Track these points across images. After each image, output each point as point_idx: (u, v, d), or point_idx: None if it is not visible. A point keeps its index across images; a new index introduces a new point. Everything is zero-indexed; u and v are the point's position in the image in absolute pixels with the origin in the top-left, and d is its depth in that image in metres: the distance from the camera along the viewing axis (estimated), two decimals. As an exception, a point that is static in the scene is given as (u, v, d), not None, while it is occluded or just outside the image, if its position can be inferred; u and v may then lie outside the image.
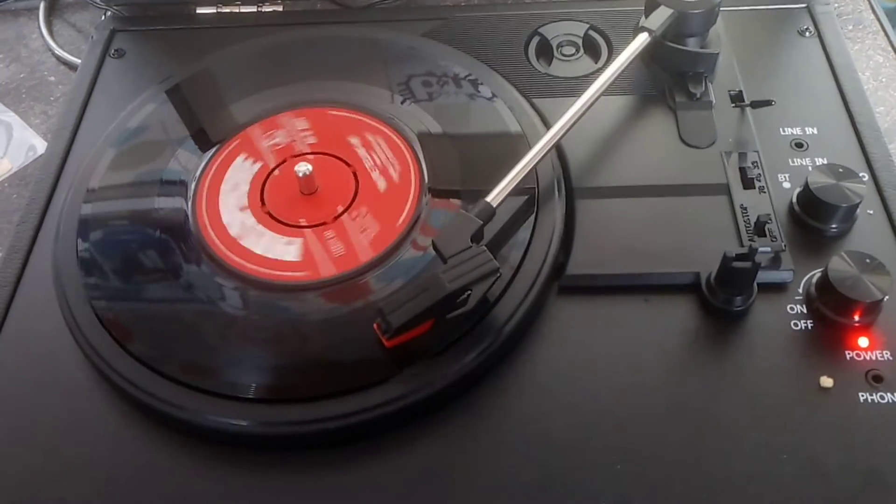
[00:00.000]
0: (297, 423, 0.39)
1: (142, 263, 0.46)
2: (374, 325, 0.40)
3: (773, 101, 0.50)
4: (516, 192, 0.44)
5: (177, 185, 0.49)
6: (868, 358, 0.41)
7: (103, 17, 0.64)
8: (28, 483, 0.39)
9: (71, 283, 0.44)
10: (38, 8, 0.71)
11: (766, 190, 0.46)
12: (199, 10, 0.62)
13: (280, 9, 0.62)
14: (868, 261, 0.41)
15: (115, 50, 0.59)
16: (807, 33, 0.57)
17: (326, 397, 0.39)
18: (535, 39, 0.57)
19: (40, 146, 0.61)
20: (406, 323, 0.39)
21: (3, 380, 0.42)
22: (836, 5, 0.66)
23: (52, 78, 0.67)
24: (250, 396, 0.40)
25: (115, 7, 0.63)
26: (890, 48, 0.63)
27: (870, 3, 0.67)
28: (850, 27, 0.65)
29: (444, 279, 0.39)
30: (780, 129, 0.50)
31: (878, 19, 0.66)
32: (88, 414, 0.41)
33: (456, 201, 0.47)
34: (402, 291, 0.40)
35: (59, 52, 0.68)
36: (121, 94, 0.56)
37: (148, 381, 0.40)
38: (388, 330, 0.39)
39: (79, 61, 0.65)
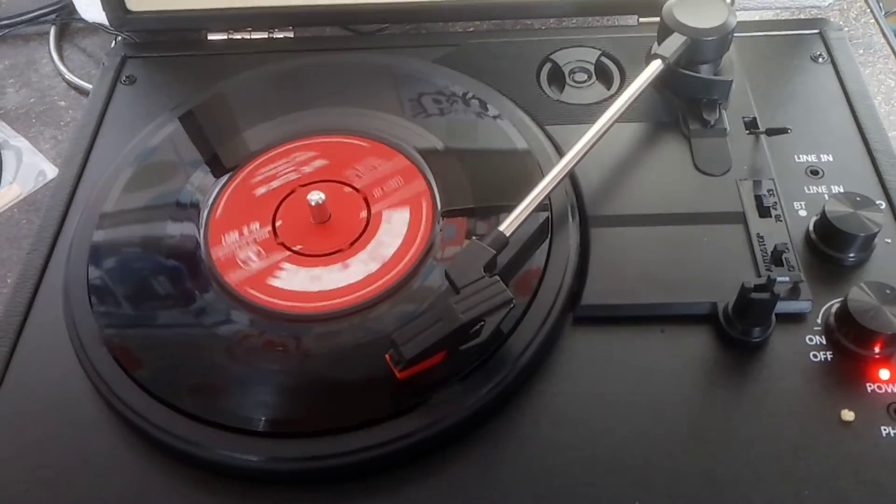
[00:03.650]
0: (308, 459, 0.38)
1: (152, 295, 0.45)
2: (387, 357, 0.40)
3: (788, 129, 0.49)
4: (530, 220, 0.44)
5: (189, 213, 0.49)
6: (889, 391, 0.40)
7: (114, 43, 0.64)
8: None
9: (81, 312, 0.44)
10: (48, 33, 0.71)
11: (782, 218, 0.46)
12: (211, 37, 0.62)
13: (291, 35, 0.62)
14: (888, 291, 0.41)
15: (126, 77, 0.59)
16: (820, 59, 0.56)
17: (338, 432, 0.39)
18: (547, 66, 0.57)
19: (50, 171, 0.61)
20: (419, 354, 0.38)
21: (12, 411, 0.42)
22: (847, 29, 0.65)
23: (63, 103, 0.67)
24: (261, 430, 0.39)
25: (125, 33, 0.63)
26: (902, 72, 0.63)
27: (880, 27, 0.67)
28: (861, 51, 0.65)
29: (458, 310, 0.39)
30: (795, 157, 0.50)
31: (889, 43, 0.66)
32: (98, 446, 0.41)
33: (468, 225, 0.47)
34: (415, 322, 0.39)
35: (69, 76, 0.68)
36: (132, 121, 0.56)
37: (158, 414, 0.40)
38: (401, 361, 0.39)
39: (89, 86, 0.65)
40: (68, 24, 0.73)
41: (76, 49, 0.71)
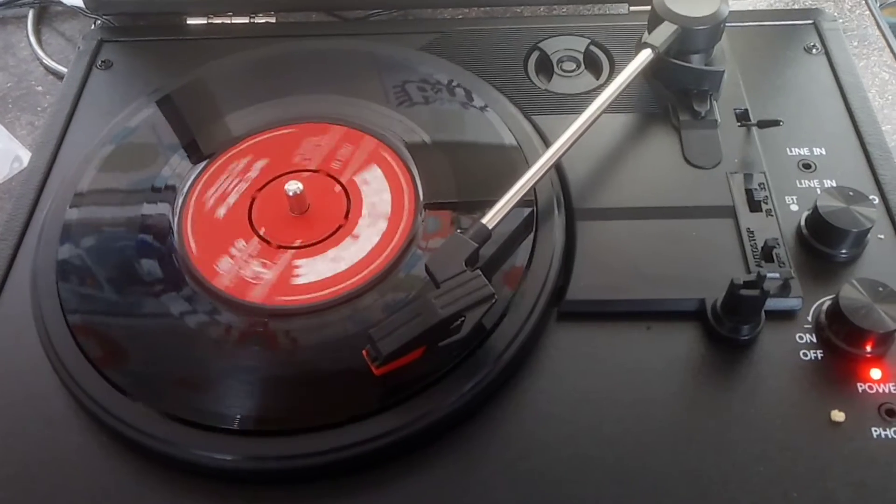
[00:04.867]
0: (284, 458, 0.37)
1: (123, 286, 0.44)
2: (364, 352, 0.38)
3: (780, 121, 0.48)
4: (514, 212, 0.43)
5: (163, 202, 0.48)
6: (880, 391, 0.39)
7: (93, 27, 0.63)
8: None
9: (48, 304, 0.43)
10: (26, 16, 0.70)
11: (773, 213, 0.45)
12: (190, 21, 0.61)
13: (273, 20, 0.61)
14: (880, 289, 0.40)
15: (103, 61, 0.58)
16: (813, 50, 0.55)
17: (315, 430, 0.37)
18: (535, 54, 0.55)
19: (26, 158, 0.60)
20: (397, 350, 0.37)
21: (-24, 407, 0.41)
22: (841, 21, 0.64)
23: (40, 88, 0.65)
24: (234, 428, 0.38)
25: (104, 16, 0.62)
26: (896, 65, 0.62)
27: (875, 18, 0.66)
28: (856, 43, 0.64)
29: (437, 305, 0.38)
30: (788, 150, 0.49)
31: (884, 35, 0.65)
32: (66, 443, 0.39)
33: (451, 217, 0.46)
34: (393, 317, 0.38)
35: (47, 61, 0.66)
36: (107, 107, 0.54)
37: (127, 410, 0.38)
38: (378, 357, 0.37)
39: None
40: (47, 7, 0.71)
41: (55, 33, 0.70)
